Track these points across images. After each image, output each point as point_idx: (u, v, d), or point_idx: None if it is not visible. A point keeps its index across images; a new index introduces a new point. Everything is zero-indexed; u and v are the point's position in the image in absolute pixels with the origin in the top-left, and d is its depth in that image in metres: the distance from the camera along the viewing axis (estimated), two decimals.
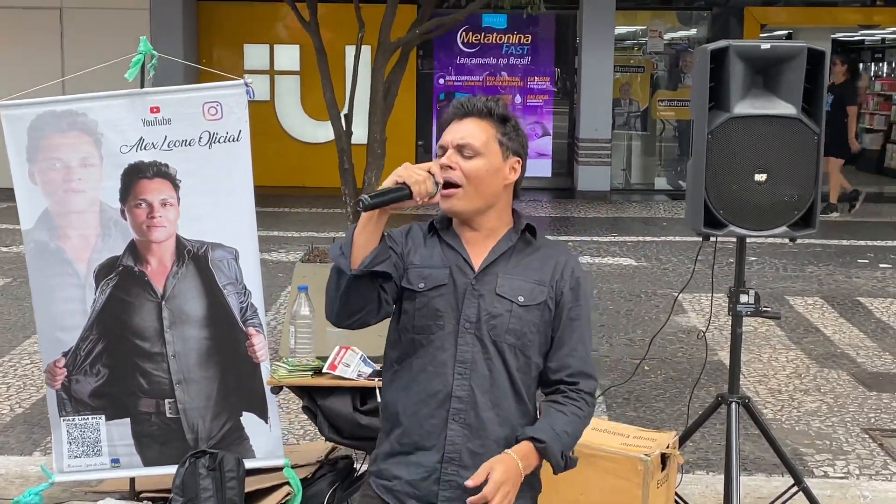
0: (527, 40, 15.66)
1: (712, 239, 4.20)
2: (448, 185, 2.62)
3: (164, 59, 4.60)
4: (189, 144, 4.26)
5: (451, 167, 2.63)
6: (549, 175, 15.93)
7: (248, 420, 4.42)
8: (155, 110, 4.25)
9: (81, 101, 4.28)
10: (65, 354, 4.36)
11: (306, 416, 4.26)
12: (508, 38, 15.63)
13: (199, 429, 4.39)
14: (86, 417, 4.39)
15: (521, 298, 2.65)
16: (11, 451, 5.26)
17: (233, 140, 4.27)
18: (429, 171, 2.54)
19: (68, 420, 4.39)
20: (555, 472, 2.68)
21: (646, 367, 6.59)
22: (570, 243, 11.27)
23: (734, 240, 4.29)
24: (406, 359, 2.68)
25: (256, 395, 4.40)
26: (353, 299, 2.56)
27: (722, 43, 4.03)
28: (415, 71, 15.06)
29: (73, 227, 4.31)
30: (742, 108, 4.01)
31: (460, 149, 2.64)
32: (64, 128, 4.26)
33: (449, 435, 2.61)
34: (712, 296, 5.12)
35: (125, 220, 4.29)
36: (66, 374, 4.36)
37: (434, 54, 15.67)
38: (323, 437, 4.21)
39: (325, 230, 11.14)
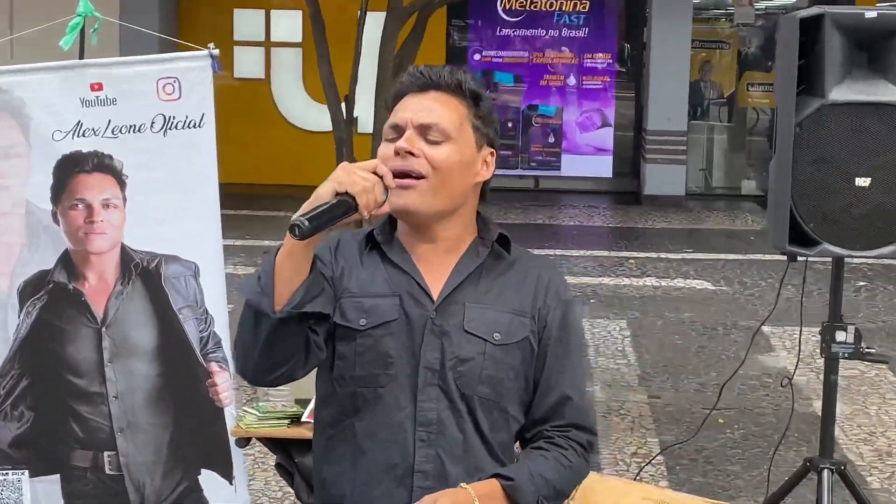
0: (584, 7, 15.60)
1: (801, 259, 4.13)
2: (404, 175, 2.45)
3: (134, 30, 4.57)
4: (139, 131, 4.23)
5: (412, 153, 2.47)
6: (610, 175, 15.86)
7: (208, 479, 4.37)
8: (97, 87, 4.22)
9: (4, 74, 4.25)
10: None
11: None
12: (561, 4, 15.57)
13: (146, 489, 4.34)
14: (6, 472, 4.34)
15: (496, 336, 2.51)
16: None
17: (194, 126, 4.25)
18: (375, 173, 2.37)
19: None
20: None
21: (720, 420, 6.49)
22: (631, 261, 11.17)
23: (830, 261, 4.23)
24: (345, 420, 2.51)
25: (219, 447, 4.35)
26: (276, 349, 2.37)
27: (815, 10, 3.95)
28: (444, 45, 15.05)
29: None
30: (840, 93, 3.95)
31: (424, 130, 2.49)
32: None
33: None
34: (801, 330, 5.03)
35: (57, 224, 4.26)
36: None
37: (468, 25, 15.65)
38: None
39: (328, 238, 11.13)
